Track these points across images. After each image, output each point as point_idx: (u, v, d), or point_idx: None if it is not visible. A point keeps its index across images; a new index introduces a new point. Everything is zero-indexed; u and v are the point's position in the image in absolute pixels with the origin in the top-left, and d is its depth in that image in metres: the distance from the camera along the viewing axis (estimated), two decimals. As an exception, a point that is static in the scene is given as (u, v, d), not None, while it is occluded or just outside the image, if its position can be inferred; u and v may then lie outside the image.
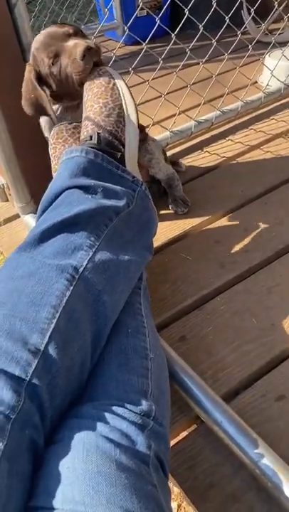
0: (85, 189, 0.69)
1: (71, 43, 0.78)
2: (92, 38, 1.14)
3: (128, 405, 0.53)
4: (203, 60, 1.24)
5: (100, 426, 0.49)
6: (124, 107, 0.78)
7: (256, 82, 1.59)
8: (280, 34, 1.65)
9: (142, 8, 1.96)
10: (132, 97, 0.79)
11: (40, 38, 0.81)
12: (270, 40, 1.47)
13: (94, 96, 0.78)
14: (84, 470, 0.45)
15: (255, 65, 1.48)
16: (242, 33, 1.33)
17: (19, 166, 0.99)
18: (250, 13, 1.41)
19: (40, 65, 0.81)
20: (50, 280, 0.56)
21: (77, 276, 0.58)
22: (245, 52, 1.38)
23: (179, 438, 0.67)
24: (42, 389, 0.48)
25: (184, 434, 0.68)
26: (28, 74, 0.84)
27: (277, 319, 0.80)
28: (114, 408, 0.52)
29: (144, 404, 0.55)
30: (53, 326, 0.52)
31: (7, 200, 1.22)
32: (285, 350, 0.75)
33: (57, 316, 0.53)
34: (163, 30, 1.21)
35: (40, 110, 0.86)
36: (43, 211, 0.72)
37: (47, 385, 0.49)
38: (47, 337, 0.51)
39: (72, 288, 0.57)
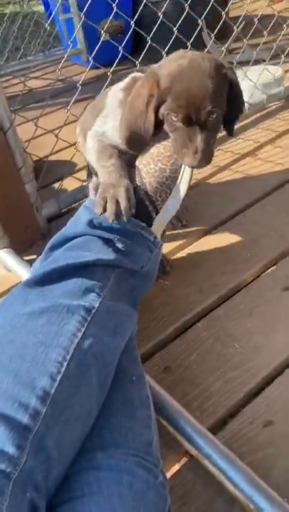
0: (106, 241, 0.70)
1: (195, 145, 0.68)
2: (59, 67, 1.15)
3: (142, 456, 0.52)
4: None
5: (122, 478, 0.48)
6: (178, 181, 0.78)
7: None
8: (242, 53, 1.70)
9: (104, 33, 1.98)
10: (191, 175, 0.78)
11: (190, 85, 0.67)
12: (232, 60, 1.50)
13: (157, 155, 0.77)
14: None
15: (219, 86, 1.50)
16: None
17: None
18: (210, 35, 1.44)
19: (167, 107, 0.70)
20: (61, 320, 0.55)
21: (88, 318, 0.58)
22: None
23: (170, 474, 0.65)
24: (50, 441, 0.46)
25: (175, 468, 0.66)
26: (150, 98, 0.71)
27: (259, 342, 0.81)
28: (131, 458, 0.51)
29: (153, 456, 0.54)
30: (63, 369, 0.50)
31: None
32: (269, 373, 0.76)
33: (68, 358, 0.52)
34: (128, 52, 1.23)
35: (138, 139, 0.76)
36: (55, 247, 0.72)
37: (58, 435, 0.47)
38: (57, 381, 0.49)
39: (83, 330, 0.56)
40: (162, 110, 0.72)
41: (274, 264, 0.95)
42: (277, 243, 1.00)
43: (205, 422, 0.69)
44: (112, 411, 0.57)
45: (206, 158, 0.70)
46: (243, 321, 0.85)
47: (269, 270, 0.95)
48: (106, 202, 0.72)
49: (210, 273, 0.96)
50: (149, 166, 0.78)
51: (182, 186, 0.78)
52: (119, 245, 0.71)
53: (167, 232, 1.05)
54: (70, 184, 1.26)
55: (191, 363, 0.79)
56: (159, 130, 0.75)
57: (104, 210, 0.72)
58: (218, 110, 0.70)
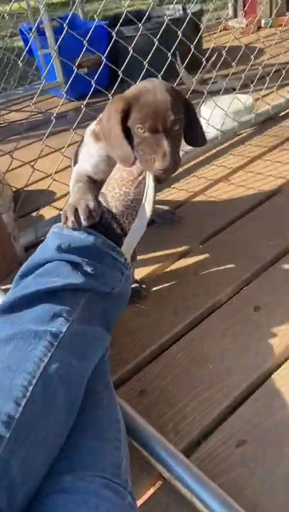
0: (75, 265, 0.71)
1: (163, 148, 0.73)
2: (33, 101, 1.19)
3: (110, 477, 0.52)
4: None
5: (88, 500, 0.48)
6: (142, 203, 0.81)
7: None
8: (213, 83, 1.76)
9: (82, 67, 2.05)
10: (154, 196, 0.81)
11: (154, 98, 0.75)
12: (206, 89, 1.56)
13: (120, 180, 0.81)
14: None
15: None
16: (178, 84, 1.42)
17: None
18: (183, 66, 1.50)
19: (133, 119, 0.76)
20: (28, 346, 0.56)
21: (55, 343, 0.59)
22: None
23: (144, 498, 0.65)
24: (14, 466, 0.46)
25: (149, 492, 0.66)
26: (118, 114, 0.76)
27: (232, 362, 0.82)
28: (98, 480, 0.51)
29: (122, 477, 0.54)
30: (28, 394, 0.51)
31: None
32: (241, 393, 0.77)
33: (33, 382, 0.52)
34: (105, 84, 1.28)
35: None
36: (25, 275, 0.73)
37: (22, 460, 0.47)
38: (21, 406, 0.50)
39: (50, 354, 0.57)
40: (129, 124, 0.77)
41: (246, 285, 0.98)
42: (249, 265, 1.03)
43: (179, 444, 0.70)
44: (81, 433, 0.57)
45: (175, 161, 0.75)
46: (216, 342, 0.86)
47: (241, 291, 0.97)
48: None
49: (184, 296, 0.97)
50: (114, 190, 0.81)
51: (147, 206, 0.81)
52: (88, 269, 0.72)
53: (141, 257, 1.07)
54: (48, 213, 1.29)
55: (167, 384, 0.80)
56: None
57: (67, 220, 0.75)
58: (180, 123, 0.77)
